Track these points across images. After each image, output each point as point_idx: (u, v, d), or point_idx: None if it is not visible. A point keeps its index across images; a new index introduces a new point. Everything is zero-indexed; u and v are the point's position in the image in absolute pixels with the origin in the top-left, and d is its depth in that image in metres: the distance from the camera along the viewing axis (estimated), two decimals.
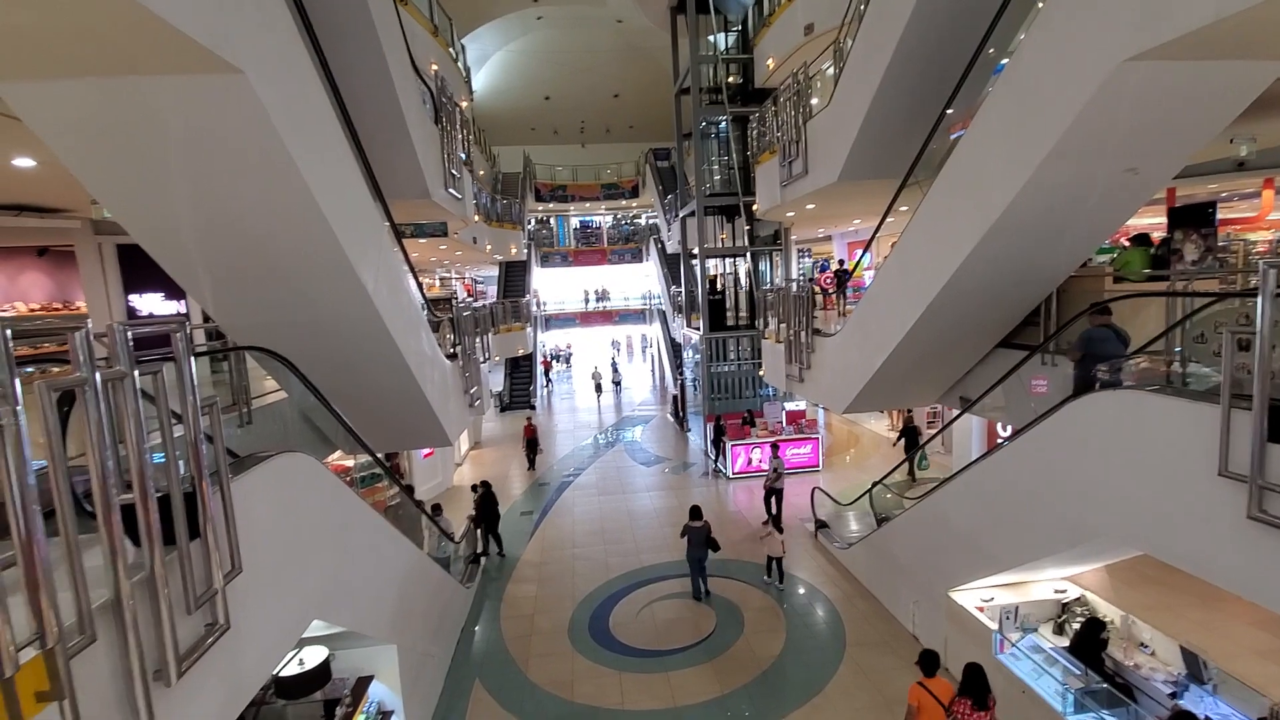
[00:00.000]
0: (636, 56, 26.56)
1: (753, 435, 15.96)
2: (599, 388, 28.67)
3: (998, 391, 7.81)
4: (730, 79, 17.29)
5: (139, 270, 10.12)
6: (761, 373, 15.12)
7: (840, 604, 9.61)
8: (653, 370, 32.52)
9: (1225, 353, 3.88)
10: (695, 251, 18.18)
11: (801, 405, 16.40)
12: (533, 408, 26.46)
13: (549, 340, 34.51)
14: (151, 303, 10.45)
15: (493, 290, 27.20)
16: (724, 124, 17.42)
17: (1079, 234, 6.38)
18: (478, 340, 11.57)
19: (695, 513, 10.16)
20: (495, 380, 25.58)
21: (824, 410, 17.60)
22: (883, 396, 9.78)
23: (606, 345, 39.72)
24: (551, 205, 31.24)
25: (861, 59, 8.71)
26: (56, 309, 11.55)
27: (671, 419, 22.92)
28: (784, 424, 16.11)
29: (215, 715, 3.11)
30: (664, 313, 25.95)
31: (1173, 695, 5.82)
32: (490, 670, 8.41)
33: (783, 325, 11.63)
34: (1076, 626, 6.69)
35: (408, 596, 6.88)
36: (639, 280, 32.99)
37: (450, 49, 16.30)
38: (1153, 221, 11.38)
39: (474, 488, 12.22)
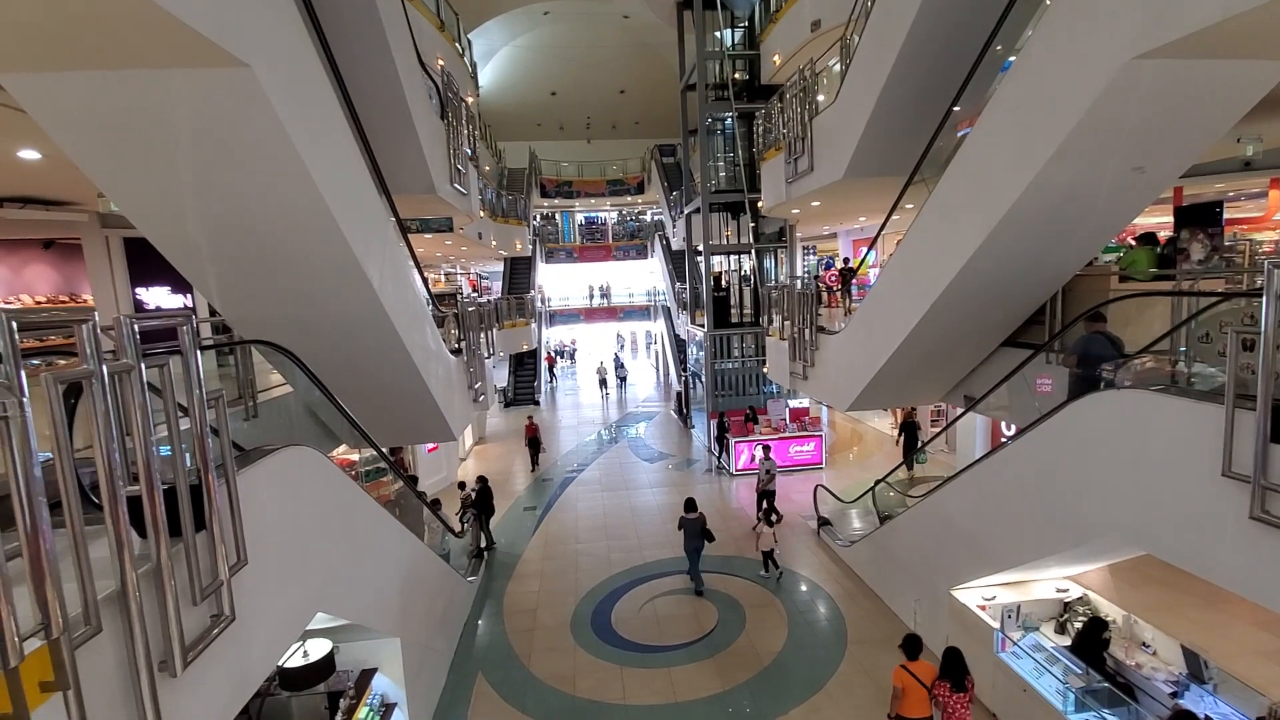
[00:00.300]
0: (643, 52, 26.52)
1: (756, 432, 15.95)
2: (603, 383, 28.71)
3: (1002, 390, 7.79)
4: (736, 75, 17.23)
5: (146, 263, 10.16)
6: (765, 370, 15.12)
7: (842, 601, 9.61)
8: (656, 367, 32.55)
9: (1230, 353, 3.86)
10: (700, 248, 18.16)
11: (805, 403, 16.39)
12: (536, 403, 26.51)
13: (553, 336, 34.56)
14: (158, 296, 10.50)
15: (498, 286, 27.23)
16: (730, 120, 17.38)
17: (1085, 232, 6.36)
18: (482, 336, 11.61)
19: (690, 505, 10.29)
20: (499, 376, 25.67)
21: (827, 408, 17.59)
22: (886, 394, 9.76)
23: (611, 341, 39.76)
24: (557, 201, 31.25)
25: (868, 55, 8.68)
26: (63, 302, 11.62)
27: (675, 415, 22.93)
28: (787, 421, 16.10)
29: (220, 706, 3.14)
30: (668, 309, 25.95)
31: (1173, 695, 5.82)
32: (493, 664, 8.45)
33: (787, 322, 11.61)
34: (1078, 626, 6.68)
35: (411, 590, 6.92)
36: (644, 277, 32.98)
37: (456, 44, 16.31)
38: (1159, 220, 11.32)
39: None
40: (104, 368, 2.27)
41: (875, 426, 19.33)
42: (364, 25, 6.75)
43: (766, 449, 12.94)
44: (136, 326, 2.51)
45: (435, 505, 10.58)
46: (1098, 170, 5.44)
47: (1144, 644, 6.54)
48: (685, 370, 21.76)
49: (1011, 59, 5.96)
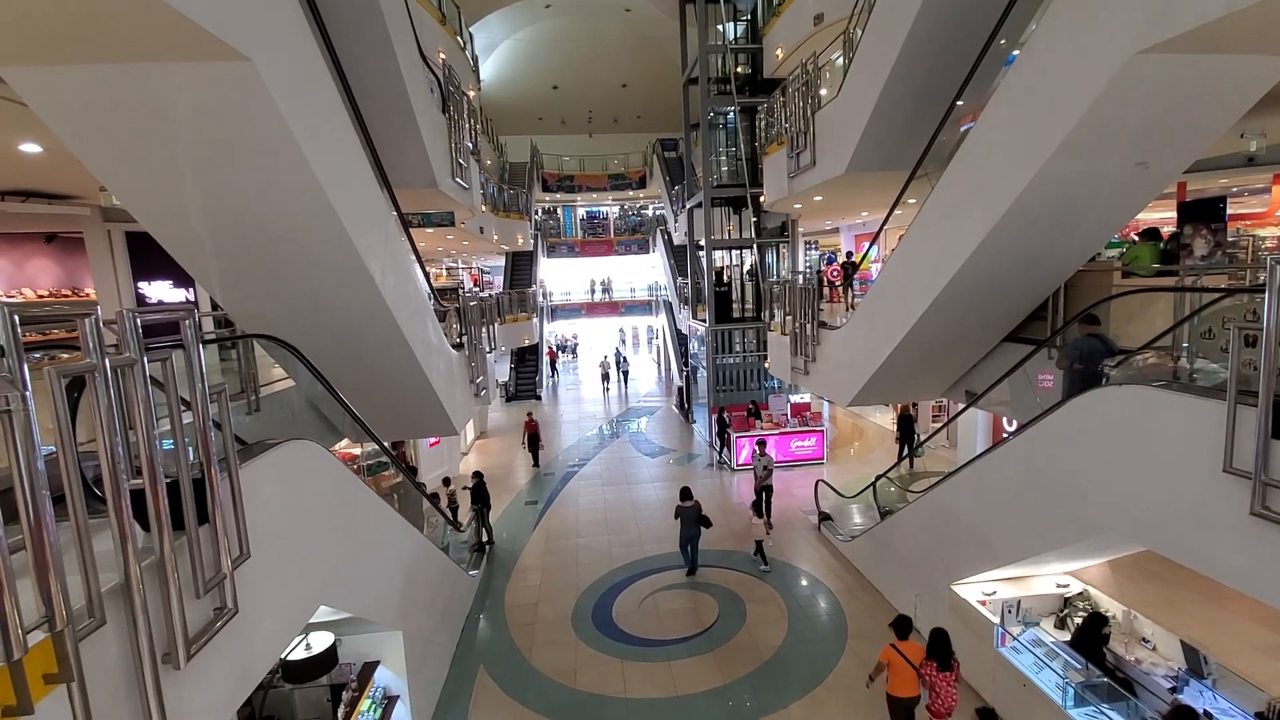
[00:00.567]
0: (645, 46, 26.41)
1: (758, 427, 15.96)
2: (606, 376, 28.76)
3: (1003, 386, 7.79)
4: (739, 69, 17.16)
5: (147, 257, 10.16)
6: (767, 365, 15.12)
7: (842, 596, 9.64)
8: (658, 362, 32.54)
9: (1232, 349, 3.86)
10: (702, 243, 18.13)
11: (806, 398, 16.38)
12: (538, 398, 26.53)
13: (555, 331, 34.56)
14: (160, 290, 10.51)
15: (499, 280, 27.22)
16: (732, 115, 17.32)
17: (1088, 228, 6.34)
18: (484, 330, 11.61)
19: (685, 494, 10.58)
20: (501, 370, 25.68)
21: (828, 403, 17.59)
22: (888, 390, 9.76)
23: (613, 336, 39.75)
24: (558, 195, 31.20)
25: (871, 49, 8.64)
26: (65, 295, 11.64)
27: (676, 410, 22.94)
28: (789, 416, 16.10)
29: (223, 699, 3.16)
30: (670, 304, 25.92)
31: (1173, 690, 5.83)
32: (494, 657, 8.49)
33: (788, 318, 11.61)
34: (1078, 621, 6.69)
35: (413, 584, 6.94)
36: (645, 271, 32.95)
37: (458, 37, 16.26)
38: (1163, 216, 11.28)
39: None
40: (106, 361, 2.28)
41: (876, 422, 19.34)
42: (365, 19, 6.74)
43: (762, 444, 12.75)
44: (139, 320, 2.52)
45: (435, 499, 10.62)
46: (1101, 166, 5.43)
47: (1144, 639, 6.55)
48: (686, 365, 21.77)
49: (1015, 53, 5.94)
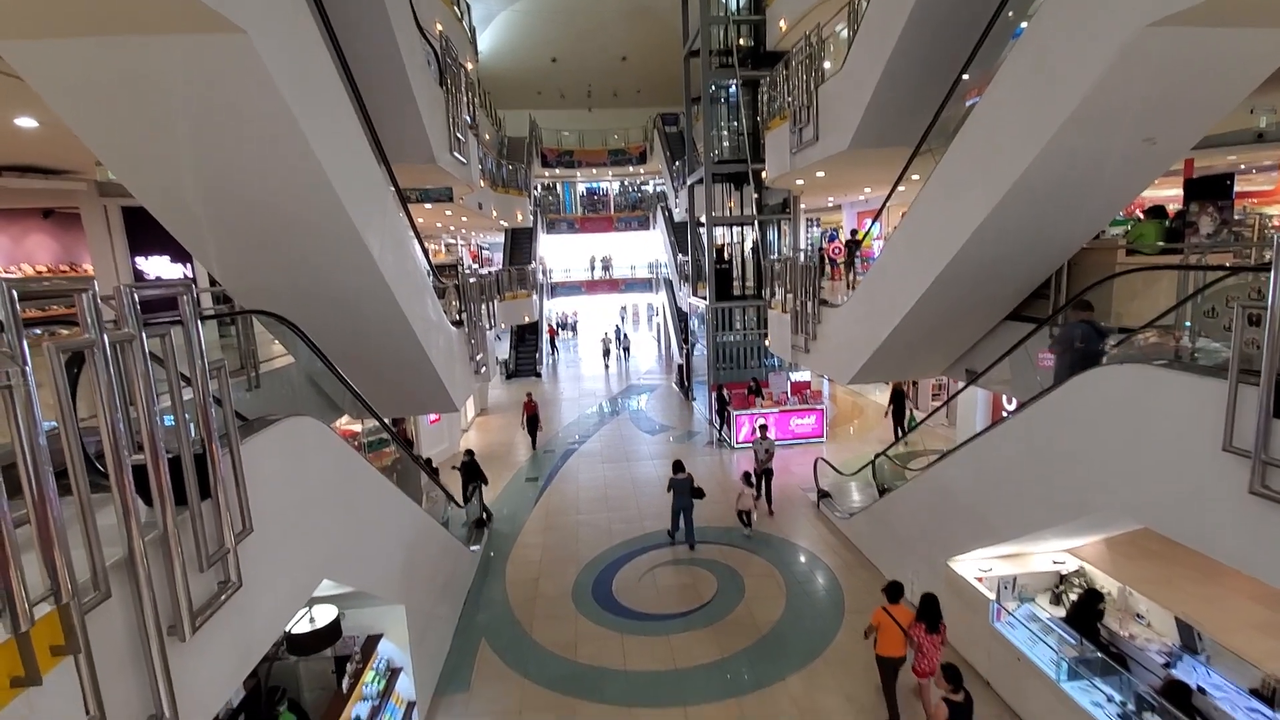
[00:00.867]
0: (645, 17, 25.94)
1: (757, 405, 16.00)
2: (607, 352, 28.79)
3: (1004, 364, 7.78)
4: (741, 41, 16.88)
5: (145, 233, 10.07)
6: (767, 343, 15.11)
7: (840, 572, 9.74)
8: (658, 339, 32.52)
9: (1235, 327, 3.84)
10: (703, 220, 18.00)
11: (806, 376, 16.40)
12: (538, 375, 26.56)
13: (555, 308, 34.48)
14: (158, 266, 10.44)
15: (498, 257, 27.08)
16: (734, 88, 17.07)
17: (1094, 205, 6.28)
18: (483, 307, 11.57)
19: (678, 466, 10.87)
20: (501, 348, 25.68)
21: (829, 381, 17.62)
22: (888, 368, 9.76)
23: (613, 314, 39.69)
24: (558, 171, 30.87)
25: (876, 21, 8.48)
26: (63, 271, 11.58)
27: (676, 388, 22.98)
28: (789, 394, 16.13)
29: (229, 670, 3.20)
30: (670, 281, 25.83)
31: (1166, 665, 5.93)
32: (496, 631, 8.61)
33: (789, 295, 11.57)
34: (1073, 597, 6.77)
35: (415, 559, 7.01)
36: (645, 249, 32.78)
37: (455, 8, 15.97)
38: (1169, 194, 11.18)
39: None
40: (105, 337, 2.26)
41: (876, 400, 19.37)
42: None
43: (764, 428, 12.78)
44: (136, 296, 2.50)
45: (435, 474, 10.67)
46: (1108, 141, 5.36)
47: (1138, 615, 6.63)
48: (686, 343, 21.75)
49: (1023, 25, 5.83)
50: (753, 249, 18.51)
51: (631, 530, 11.51)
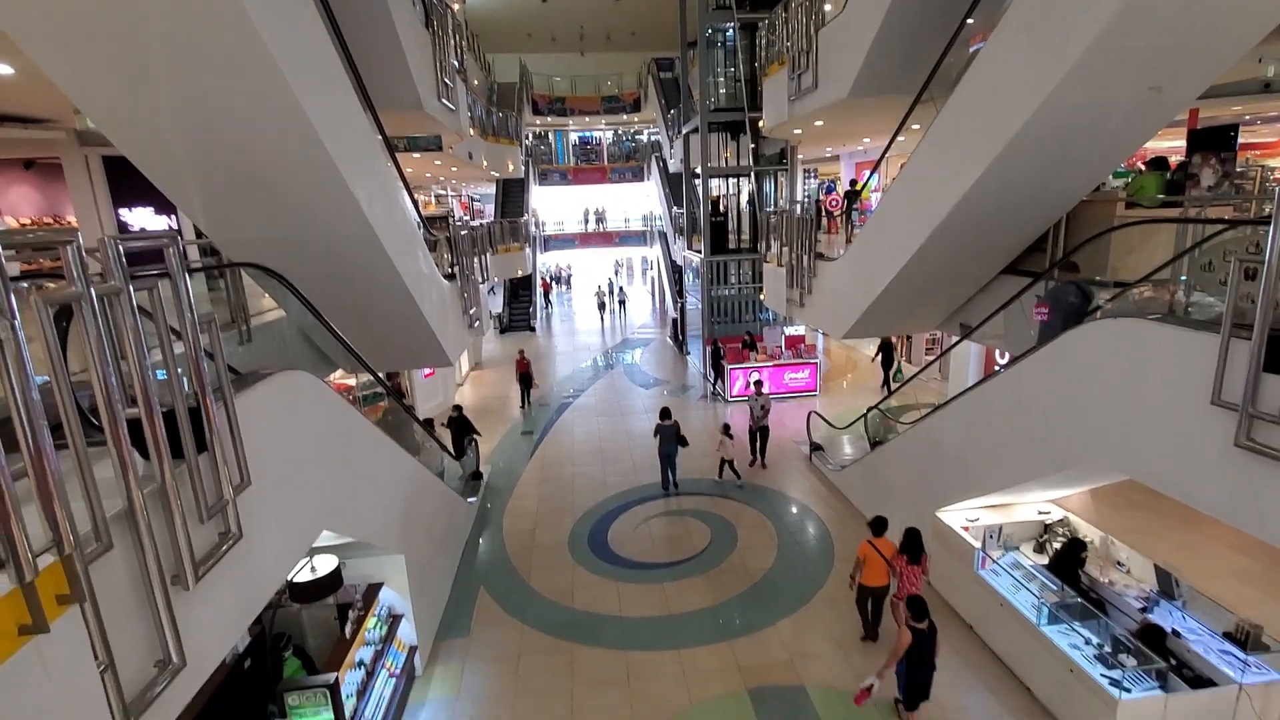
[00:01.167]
0: None
1: (752, 359, 16.05)
2: (602, 305, 28.67)
3: (998, 318, 7.80)
4: None
5: (127, 184, 9.81)
6: (762, 297, 15.05)
7: (831, 523, 9.96)
8: (652, 293, 32.36)
9: (1231, 281, 3.84)
10: (698, 170, 17.67)
11: (801, 330, 16.41)
12: (532, 329, 26.49)
13: (548, 261, 34.15)
14: (142, 217, 10.21)
15: (490, 209, 26.62)
16: (731, 32, 16.53)
17: (1097, 155, 6.19)
18: (476, 261, 11.43)
19: (665, 413, 11.17)
20: (495, 303, 25.52)
21: (823, 335, 17.65)
22: (883, 322, 9.76)
23: (608, 267, 39.39)
24: (550, 119, 30.08)
25: None
26: (47, 224, 11.32)
27: (671, 342, 23.00)
28: (783, 349, 16.17)
29: (234, 617, 3.27)
30: (665, 234, 25.54)
31: (1143, 610, 6.14)
32: (494, 580, 8.81)
33: (785, 249, 11.47)
34: (1057, 546, 6.96)
35: (413, 509, 7.11)
36: (640, 200, 32.29)
37: None
38: (1172, 145, 11.03)
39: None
40: (92, 290, 2.23)
41: (870, 354, 19.45)
42: None
43: (759, 384, 12.70)
44: (122, 248, 2.45)
45: (430, 426, 10.72)
46: (1114, 89, 5.23)
47: (1118, 563, 6.84)
48: (681, 297, 21.66)
49: None
50: (749, 201, 18.25)
51: (626, 482, 11.69)
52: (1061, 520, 7.47)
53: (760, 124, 14.51)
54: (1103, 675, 5.45)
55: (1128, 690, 5.26)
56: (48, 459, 1.92)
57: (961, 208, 6.58)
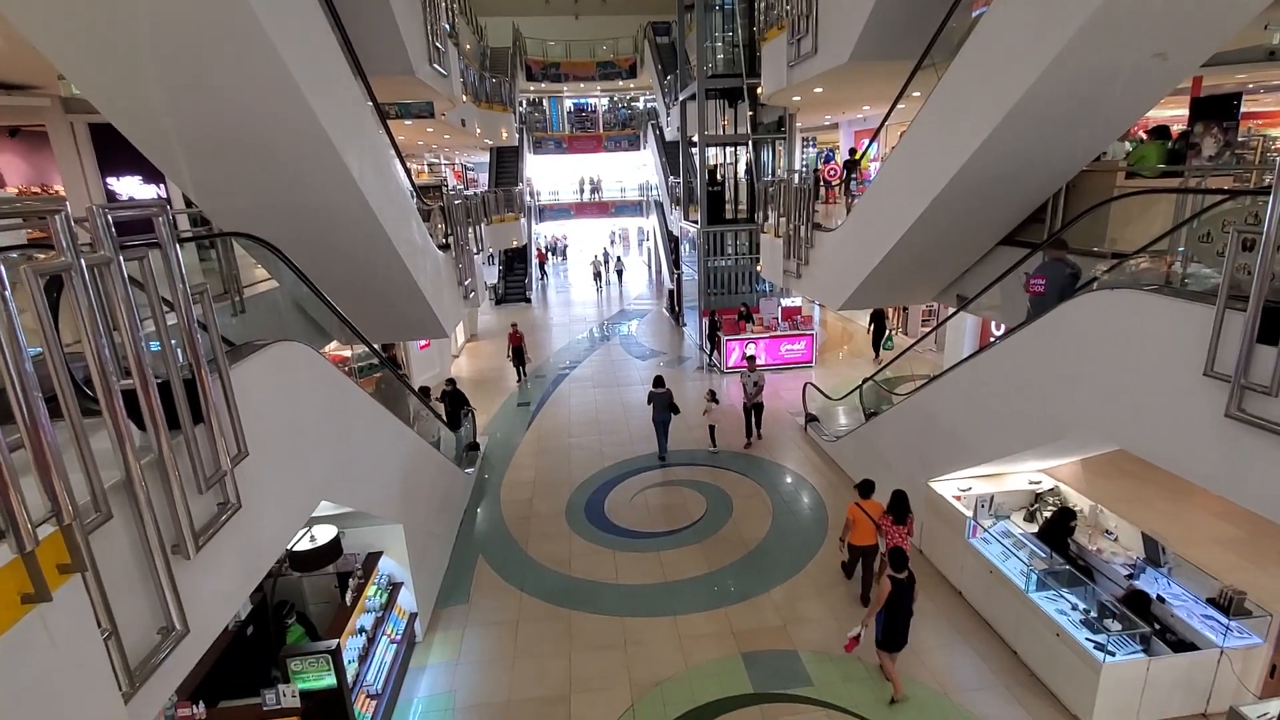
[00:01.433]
0: None
1: (748, 330, 16.05)
2: (598, 275, 28.52)
3: (994, 290, 7.78)
4: None
5: (114, 151, 9.63)
6: (759, 268, 14.98)
7: (825, 492, 10.07)
8: (648, 264, 32.18)
9: (1229, 252, 3.83)
10: (695, 139, 17.42)
11: (797, 301, 16.39)
12: (528, 300, 26.38)
13: (543, 232, 33.85)
14: (130, 186, 10.05)
15: (484, 178, 26.26)
16: None
17: (1099, 123, 6.11)
18: (470, 231, 11.32)
19: (658, 381, 11.36)
20: (490, 273, 25.35)
21: (819, 307, 17.63)
22: (880, 293, 9.75)
23: (603, 238, 39.09)
24: (544, 85, 29.51)
25: None
26: (35, 193, 11.14)
27: (667, 314, 22.96)
28: (779, 320, 16.16)
29: (235, 585, 3.31)
30: (661, 205, 25.30)
31: (1129, 577, 6.26)
32: (493, 548, 8.92)
33: (783, 219, 11.38)
34: (1047, 515, 7.07)
35: (411, 479, 7.16)
36: (636, 170, 31.89)
37: None
38: (1174, 114, 10.91)
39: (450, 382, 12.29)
40: (82, 260, 2.20)
41: (864, 325, 19.47)
42: None
43: (751, 359, 12.61)
44: (111, 217, 2.41)
45: (426, 395, 10.72)
46: (1119, 55, 5.15)
47: (1107, 531, 6.95)
48: (678, 268, 21.54)
49: None
50: (746, 170, 18.05)
51: (623, 453, 11.77)
52: (1052, 489, 7.57)
53: (759, 91, 14.27)
54: (1088, 639, 5.58)
55: (1112, 654, 5.40)
56: (44, 430, 1.92)
57: (961, 177, 6.52)
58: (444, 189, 12.85)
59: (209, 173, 5.35)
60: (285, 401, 4.18)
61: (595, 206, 31.85)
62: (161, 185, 9.79)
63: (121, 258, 2.44)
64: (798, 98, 13.25)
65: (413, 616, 6.96)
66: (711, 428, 11.73)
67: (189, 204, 6.04)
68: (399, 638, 6.54)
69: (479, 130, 19.52)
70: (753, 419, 11.91)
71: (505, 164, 25.10)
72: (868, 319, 16.55)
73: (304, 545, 5.42)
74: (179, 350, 2.85)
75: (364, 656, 5.77)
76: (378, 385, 9.08)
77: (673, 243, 22.48)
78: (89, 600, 2.19)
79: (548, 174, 31.94)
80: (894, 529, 6.94)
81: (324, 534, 5.54)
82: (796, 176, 10.97)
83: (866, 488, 7.40)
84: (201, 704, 4.63)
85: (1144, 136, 7.33)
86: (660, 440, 11.45)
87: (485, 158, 25.84)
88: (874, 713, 5.88)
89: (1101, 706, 5.44)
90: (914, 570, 6.03)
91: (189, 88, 4.39)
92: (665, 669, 6.54)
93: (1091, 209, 6.43)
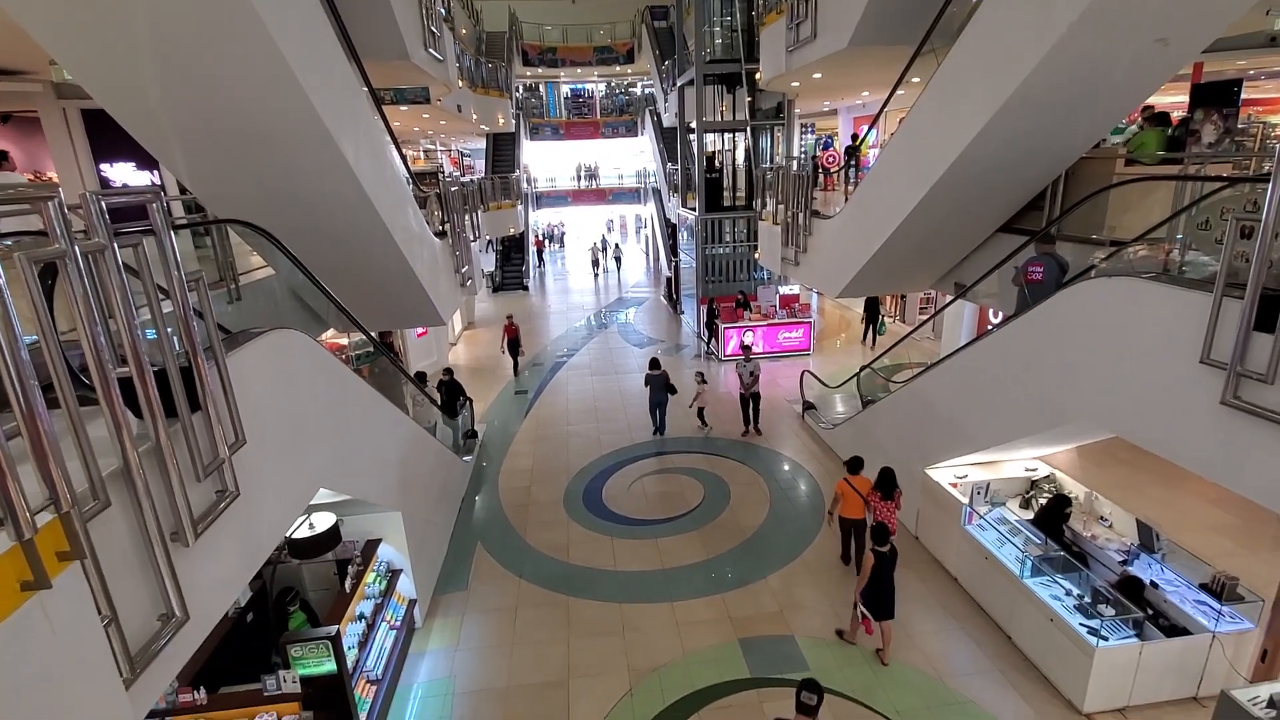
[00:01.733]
0: None
1: (746, 318, 16.04)
2: (596, 263, 28.43)
3: (992, 277, 7.78)
4: None
5: (107, 137, 9.54)
6: (757, 255, 14.95)
7: (822, 480, 10.11)
8: (646, 252, 32.09)
9: (1227, 239, 3.83)
10: (693, 125, 17.31)
11: (795, 289, 16.37)
12: (525, 288, 26.31)
13: (540, 219, 33.69)
14: (123, 173, 9.97)
15: (480, 164, 26.09)
16: None
17: (1099, 110, 6.08)
18: (467, 218, 11.27)
19: (654, 363, 11.64)
20: (487, 261, 25.26)
21: (817, 294, 17.61)
22: (878, 281, 9.73)
23: (601, 225, 38.94)
24: (540, 70, 29.24)
25: None
26: (29, 179, 11.05)
27: (665, 301, 22.92)
28: (777, 308, 16.15)
29: (234, 573, 3.32)
30: (659, 192, 25.18)
31: (1123, 563, 6.31)
32: (491, 536, 8.95)
33: (781, 206, 11.34)
34: (1043, 501, 7.11)
35: (409, 467, 7.17)
36: (633, 157, 31.70)
37: None
38: (1174, 100, 10.85)
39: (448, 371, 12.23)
40: (76, 247, 2.18)
41: (861, 313, 19.47)
42: None
43: (747, 348, 12.50)
44: (104, 204, 2.40)
45: (422, 381, 10.70)
46: (1119, 42, 5.12)
47: (1101, 518, 7.00)
48: (675, 255, 21.48)
49: None
50: (745, 157, 17.95)
51: (620, 441, 11.79)
52: (1048, 476, 7.61)
53: (757, 76, 14.17)
54: (1081, 624, 5.64)
55: (1105, 639, 5.45)
56: (40, 417, 1.91)
57: (961, 164, 6.50)
58: (440, 175, 12.76)
59: (203, 159, 5.30)
60: (283, 390, 4.18)
61: (593, 193, 31.67)
62: (155, 172, 9.71)
63: (116, 245, 2.42)
64: (796, 83, 13.17)
65: (412, 603, 6.99)
66: (700, 410, 11.92)
67: (183, 190, 5.99)
68: (398, 624, 6.58)
69: (475, 116, 19.37)
70: (750, 410, 11.74)
71: (502, 150, 24.92)
72: (862, 307, 16.55)
73: (303, 532, 5.42)
74: (175, 338, 2.84)
75: (364, 642, 5.80)
76: (372, 372, 9.07)
77: (670, 230, 22.40)
78: (89, 587, 2.19)
79: (545, 161, 31.73)
80: (881, 504, 7.17)
81: (323, 521, 5.55)
82: (795, 163, 10.90)
83: (855, 464, 7.62)
84: (202, 689, 4.67)
85: (1142, 124, 7.29)
86: (659, 418, 11.73)
87: (482, 144, 25.66)
88: (870, 697, 5.95)
89: (1094, 690, 5.51)
90: (899, 546, 6.30)
91: (181, 72, 4.35)
92: (663, 655, 6.60)
93: (1090, 196, 6.41)
